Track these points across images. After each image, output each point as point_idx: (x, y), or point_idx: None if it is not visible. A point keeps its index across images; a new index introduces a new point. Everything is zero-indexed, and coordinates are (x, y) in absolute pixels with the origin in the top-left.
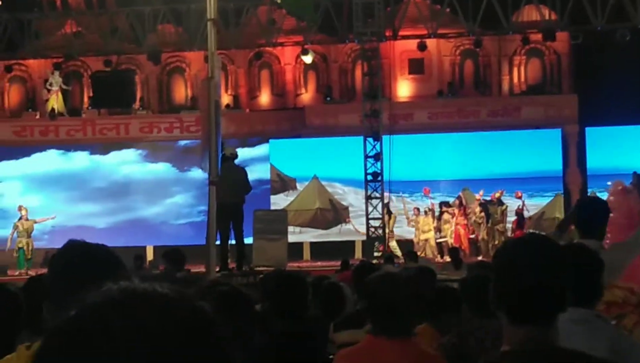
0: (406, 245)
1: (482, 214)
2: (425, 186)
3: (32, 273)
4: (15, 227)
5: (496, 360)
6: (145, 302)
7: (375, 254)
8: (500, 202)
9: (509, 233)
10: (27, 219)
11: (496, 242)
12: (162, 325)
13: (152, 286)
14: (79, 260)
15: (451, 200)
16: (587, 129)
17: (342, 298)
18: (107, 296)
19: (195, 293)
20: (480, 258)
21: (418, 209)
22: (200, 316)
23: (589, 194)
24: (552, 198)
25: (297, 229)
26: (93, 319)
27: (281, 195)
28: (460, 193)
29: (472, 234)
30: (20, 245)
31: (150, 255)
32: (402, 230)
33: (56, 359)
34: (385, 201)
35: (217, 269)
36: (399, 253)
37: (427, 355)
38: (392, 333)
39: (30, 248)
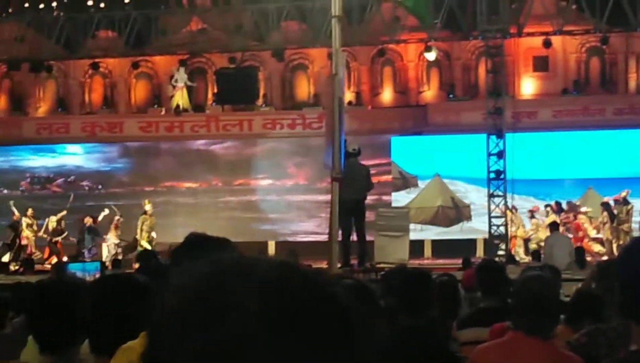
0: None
1: (605, 214)
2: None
3: None
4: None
5: (625, 358)
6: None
7: (499, 252)
8: (625, 201)
9: (635, 233)
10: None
11: (621, 242)
12: (307, 296)
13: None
14: (198, 253)
15: (564, 202)
16: None
17: (456, 296)
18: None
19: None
20: (604, 258)
21: (531, 211)
22: (339, 299)
23: None
24: None
25: (419, 226)
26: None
27: (403, 192)
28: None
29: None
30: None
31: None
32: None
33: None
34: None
35: (339, 265)
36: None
37: (565, 356)
38: (534, 332)
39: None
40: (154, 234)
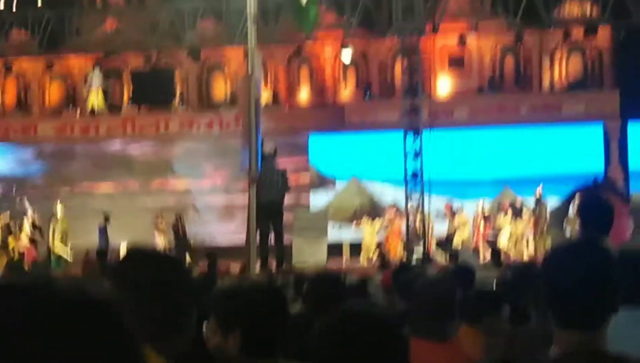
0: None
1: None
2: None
3: None
4: None
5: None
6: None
7: (414, 255)
8: (539, 200)
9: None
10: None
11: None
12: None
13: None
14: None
15: (487, 200)
16: (630, 123)
17: (365, 299)
18: None
19: None
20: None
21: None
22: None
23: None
24: None
25: (337, 224)
26: None
27: (320, 192)
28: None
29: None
30: None
31: None
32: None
33: None
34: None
35: (257, 267)
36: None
37: (464, 356)
38: (430, 335)
39: None
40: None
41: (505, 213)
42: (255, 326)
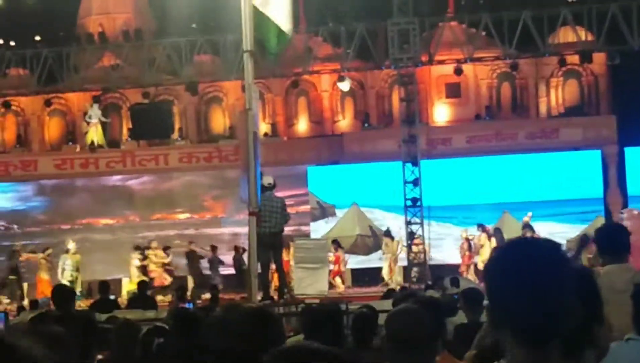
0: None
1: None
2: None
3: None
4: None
5: None
6: None
7: (413, 280)
8: (528, 225)
9: None
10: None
11: None
12: None
13: None
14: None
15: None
16: (627, 149)
17: (372, 327)
18: None
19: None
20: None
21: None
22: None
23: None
24: (593, 220)
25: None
26: None
27: (321, 222)
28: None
29: None
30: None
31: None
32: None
33: None
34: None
35: (259, 298)
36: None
37: None
38: None
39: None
40: (73, 273)
41: (488, 236)
42: (232, 349)
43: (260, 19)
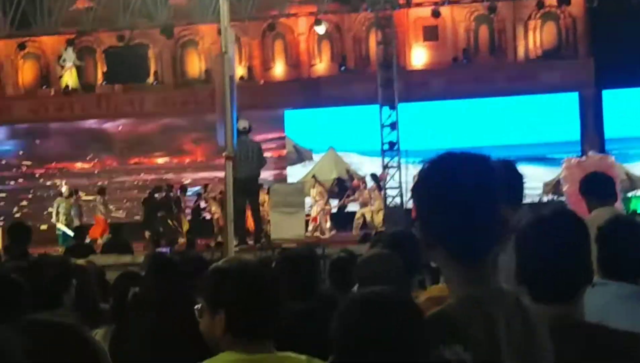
0: None
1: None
2: None
3: None
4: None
5: None
6: None
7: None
8: None
9: None
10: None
11: None
12: None
13: None
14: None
15: None
16: (604, 92)
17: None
18: None
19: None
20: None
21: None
22: None
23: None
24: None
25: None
26: None
27: (298, 166)
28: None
29: None
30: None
31: None
32: None
33: None
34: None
35: (235, 244)
36: None
37: None
38: None
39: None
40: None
41: None
42: (239, 306)
43: None
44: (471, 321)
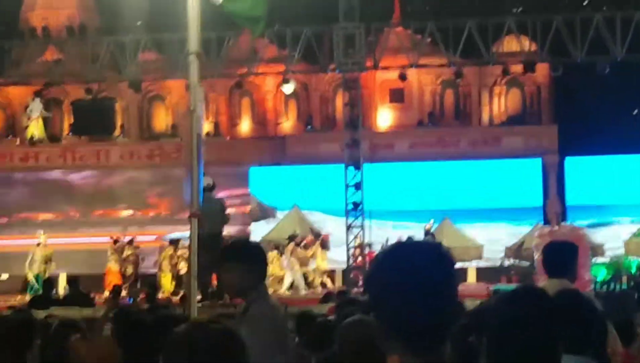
0: None
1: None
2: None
3: None
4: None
5: None
6: None
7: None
8: (430, 234)
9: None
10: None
11: None
12: None
13: None
14: None
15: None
16: (567, 158)
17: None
18: None
19: None
20: None
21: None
22: None
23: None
24: (531, 227)
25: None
26: None
27: (262, 222)
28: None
29: None
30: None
31: None
32: None
33: None
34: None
35: (198, 299)
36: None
37: None
38: None
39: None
40: (42, 266)
41: None
42: None
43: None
44: None
